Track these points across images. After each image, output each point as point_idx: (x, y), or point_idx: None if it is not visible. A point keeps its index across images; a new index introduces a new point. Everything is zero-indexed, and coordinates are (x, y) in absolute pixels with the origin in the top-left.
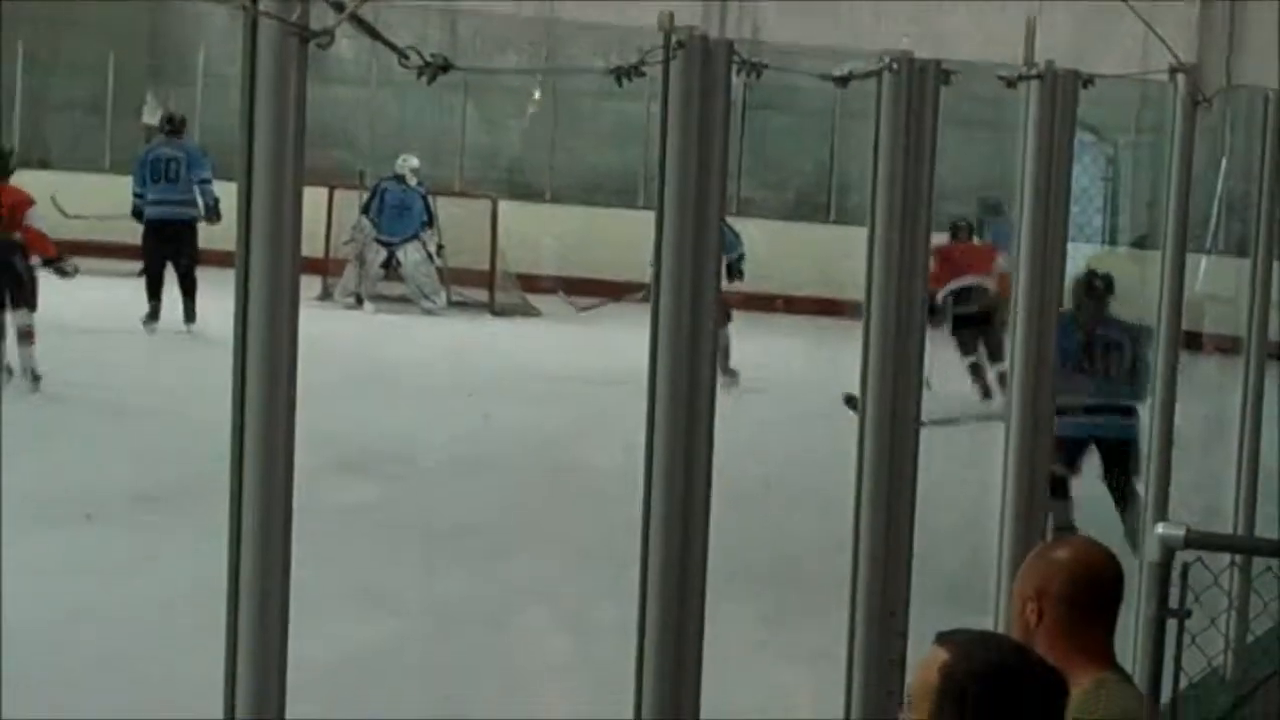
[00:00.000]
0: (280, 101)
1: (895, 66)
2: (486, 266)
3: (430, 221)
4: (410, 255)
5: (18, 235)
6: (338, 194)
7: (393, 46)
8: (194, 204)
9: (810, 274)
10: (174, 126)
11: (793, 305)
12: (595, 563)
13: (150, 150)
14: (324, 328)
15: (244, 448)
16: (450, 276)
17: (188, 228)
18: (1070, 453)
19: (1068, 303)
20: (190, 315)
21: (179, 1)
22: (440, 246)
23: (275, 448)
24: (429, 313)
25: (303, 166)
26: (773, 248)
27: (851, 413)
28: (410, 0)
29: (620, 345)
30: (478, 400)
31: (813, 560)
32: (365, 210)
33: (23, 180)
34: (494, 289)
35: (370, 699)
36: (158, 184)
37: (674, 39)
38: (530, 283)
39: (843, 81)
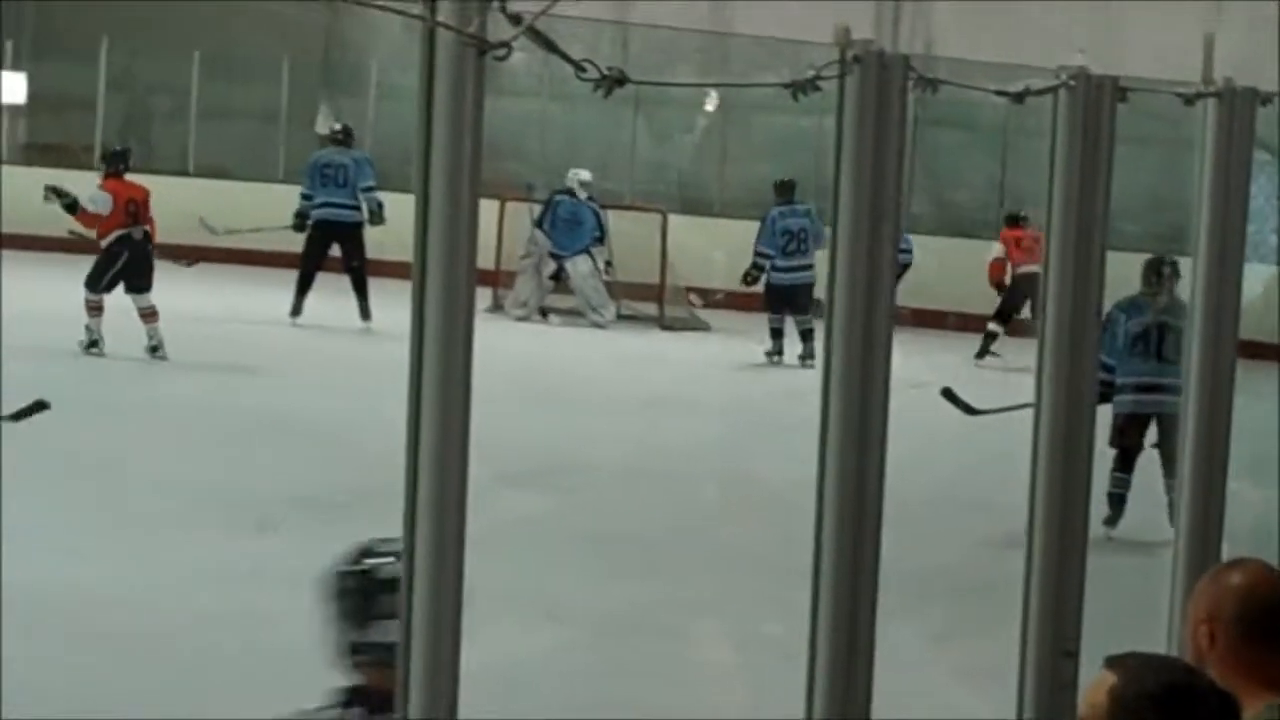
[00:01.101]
0: (457, 113)
1: (1072, 83)
2: (656, 280)
3: (602, 236)
4: (579, 268)
5: (147, 227)
6: (508, 206)
7: (569, 59)
8: (359, 208)
9: (982, 290)
10: (343, 136)
11: (964, 322)
12: (766, 574)
13: (320, 155)
14: (495, 340)
15: (419, 457)
16: (620, 290)
17: (354, 230)
18: (1135, 428)
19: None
20: (366, 313)
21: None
22: (609, 261)
23: (450, 457)
24: (597, 325)
25: (479, 179)
26: (944, 264)
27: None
28: (583, 14)
29: (791, 358)
30: (649, 412)
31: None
32: (539, 223)
33: (200, 187)
34: (663, 302)
35: (536, 706)
36: (326, 188)
37: (850, 53)
38: (700, 296)
39: (1019, 98)
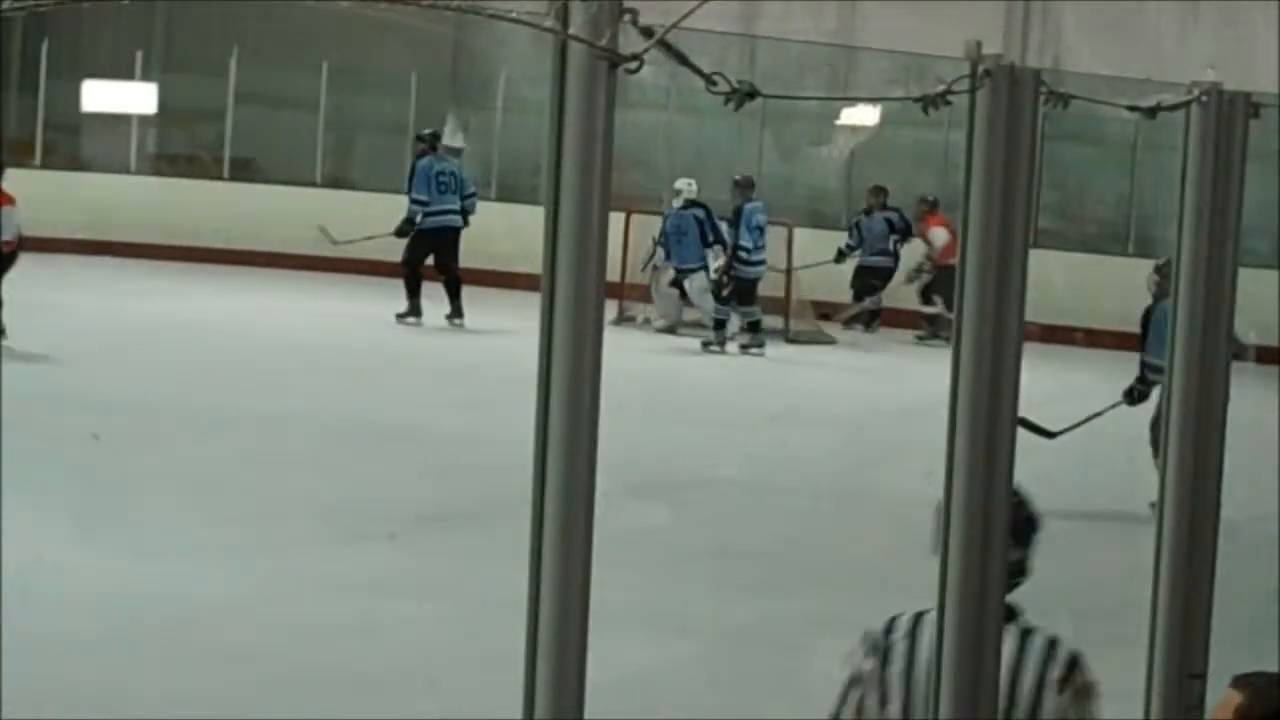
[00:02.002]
0: (588, 126)
1: (1205, 99)
2: (781, 293)
3: (711, 243)
4: (694, 283)
5: None
6: (634, 218)
7: (700, 72)
8: (462, 214)
9: (1111, 307)
10: (448, 146)
11: (1092, 338)
12: (887, 589)
13: (433, 163)
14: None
15: (546, 468)
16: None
17: (458, 235)
18: None
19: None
20: (459, 312)
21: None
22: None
23: (578, 469)
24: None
25: (609, 192)
26: (1072, 280)
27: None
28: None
29: (918, 372)
30: (772, 425)
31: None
32: (660, 237)
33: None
34: (789, 316)
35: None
36: (442, 195)
37: (981, 68)
38: (828, 310)
39: (1151, 113)
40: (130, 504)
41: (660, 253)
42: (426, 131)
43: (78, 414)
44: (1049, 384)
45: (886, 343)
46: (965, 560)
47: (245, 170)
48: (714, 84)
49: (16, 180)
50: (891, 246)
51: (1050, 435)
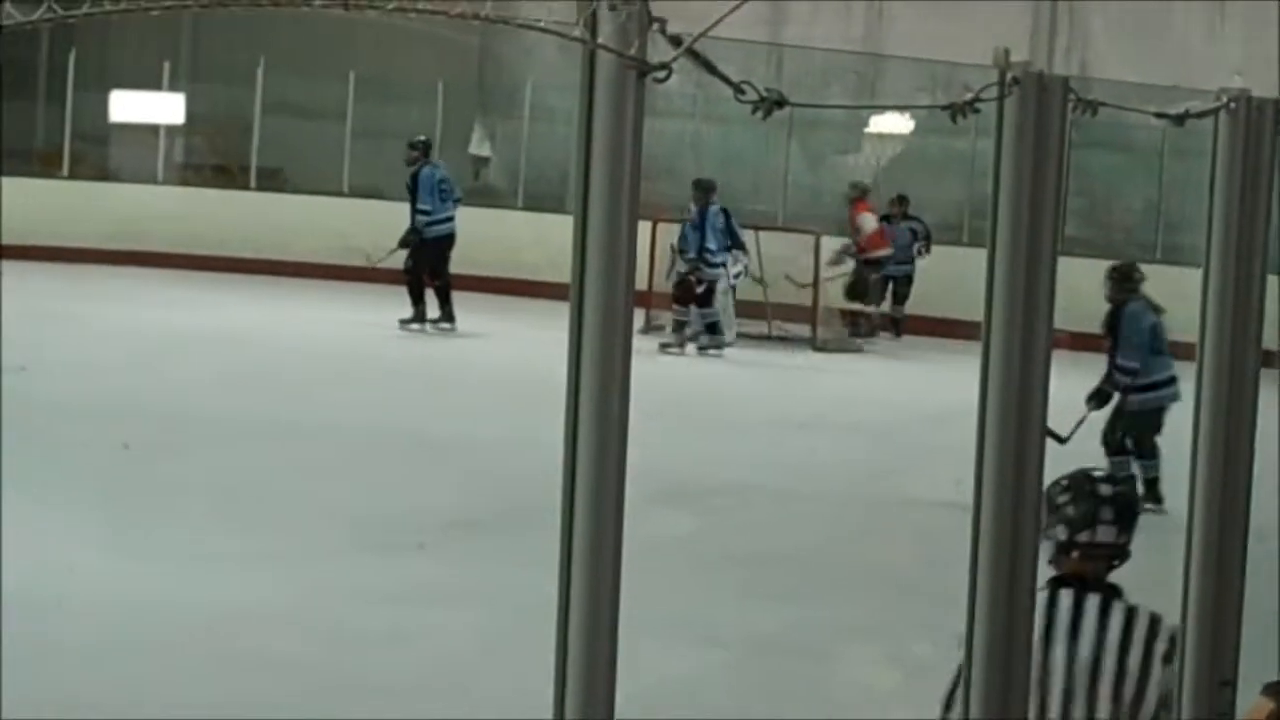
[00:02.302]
0: (617, 135)
1: (1233, 106)
2: (808, 301)
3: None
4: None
5: None
6: (660, 226)
7: (728, 81)
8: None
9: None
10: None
11: None
12: (915, 596)
13: (434, 171)
14: (646, 360)
15: (576, 477)
16: (772, 311)
17: (453, 242)
18: (1159, 421)
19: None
20: (450, 317)
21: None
22: (759, 279)
23: (607, 478)
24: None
25: (638, 201)
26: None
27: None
28: (739, 36)
29: (944, 381)
30: (800, 433)
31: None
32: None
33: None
34: (816, 324)
35: None
36: (443, 203)
37: (1009, 75)
38: (852, 318)
39: (1179, 120)
40: (160, 513)
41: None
42: (419, 139)
43: (107, 424)
44: (1076, 391)
45: (914, 350)
46: (995, 566)
47: (272, 180)
48: (742, 93)
49: (45, 191)
50: (914, 255)
51: (1062, 440)
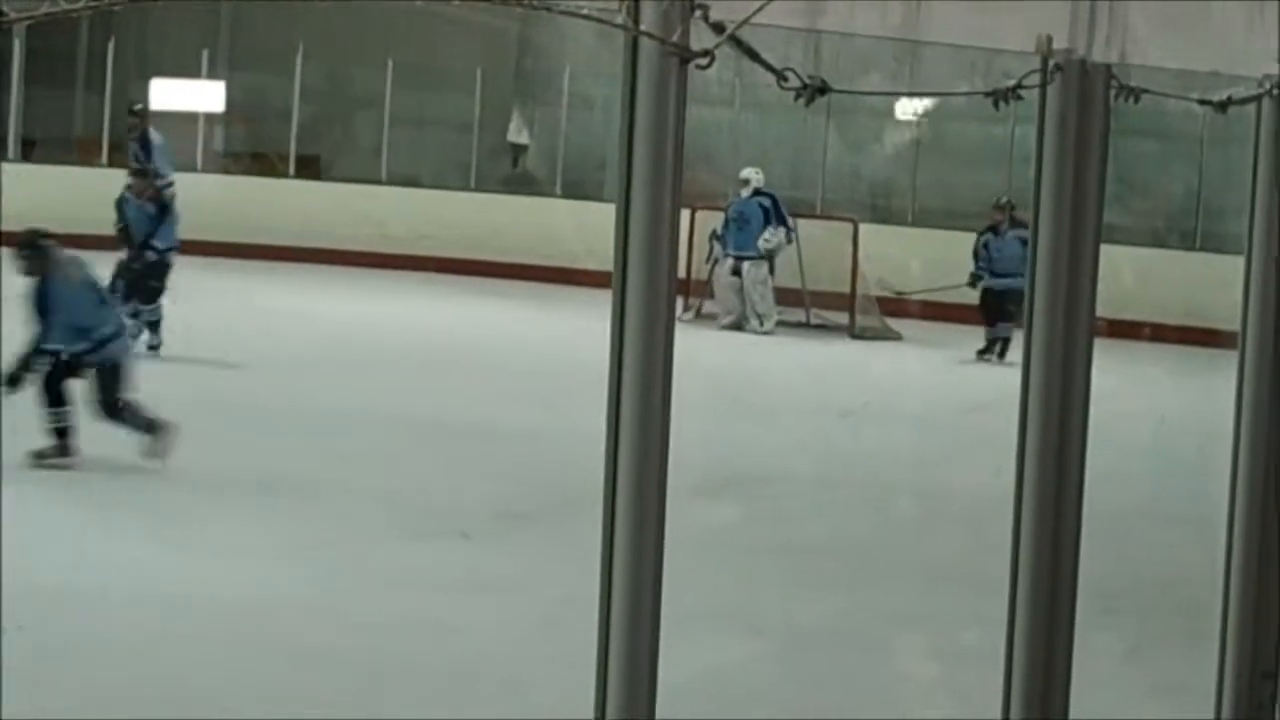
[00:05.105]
0: (659, 122)
1: (1276, 91)
2: (846, 288)
3: (779, 225)
4: (750, 272)
5: None
6: (699, 214)
7: (771, 68)
8: None
9: (1178, 302)
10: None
11: (1159, 333)
12: (961, 584)
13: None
14: (686, 348)
15: (618, 465)
16: (810, 299)
17: None
18: None
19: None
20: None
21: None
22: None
23: (650, 466)
24: (754, 333)
25: (680, 188)
26: (1139, 274)
27: None
28: (777, 22)
29: (988, 368)
30: (840, 422)
31: (1180, 590)
32: (721, 229)
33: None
34: (854, 312)
35: (731, 717)
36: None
37: (1052, 62)
38: (893, 306)
39: (1221, 107)
40: (202, 502)
41: (718, 247)
42: (137, 106)
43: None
44: (1114, 379)
45: (954, 337)
46: (1037, 556)
47: (310, 168)
48: (785, 80)
49: (84, 178)
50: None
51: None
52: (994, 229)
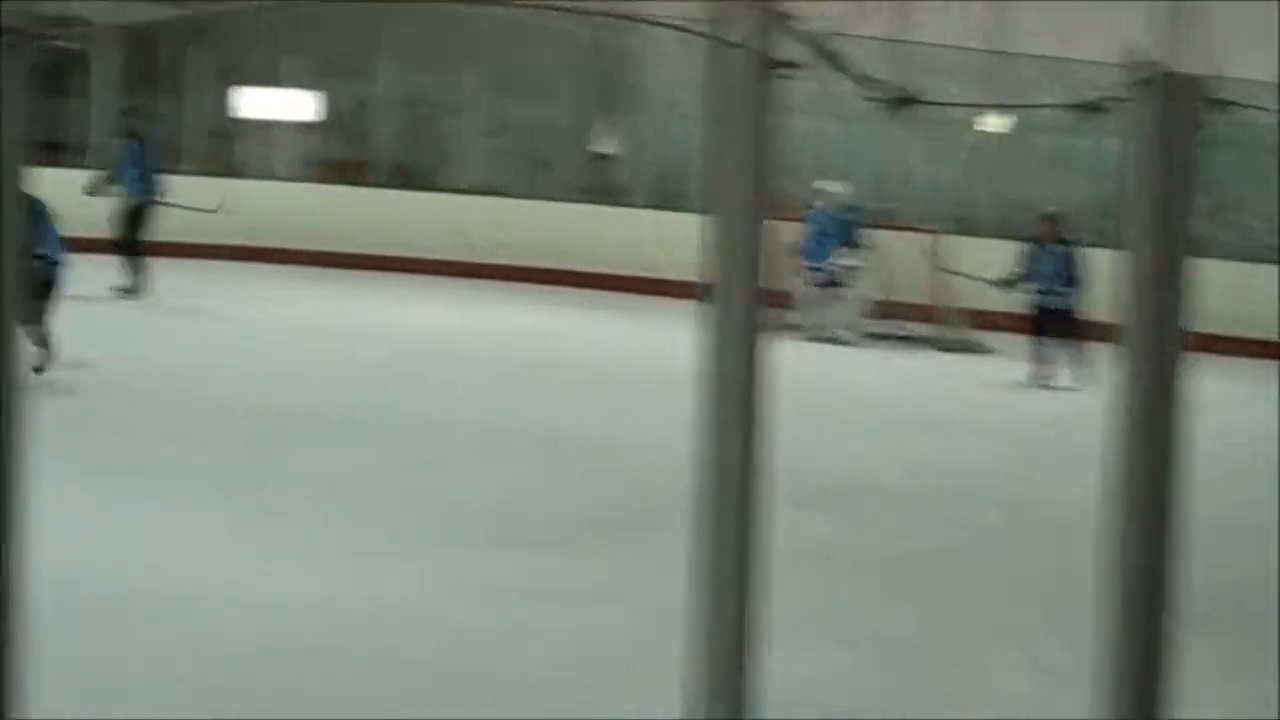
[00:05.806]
0: (747, 132)
1: None
2: (931, 300)
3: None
4: (834, 284)
5: None
6: (782, 225)
7: (860, 79)
8: None
9: (1266, 315)
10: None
11: (1245, 347)
12: (1053, 601)
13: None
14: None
15: (708, 477)
16: (893, 310)
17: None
18: None
19: None
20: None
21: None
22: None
23: (740, 478)
24: (840, 344)
25: (766, 196)
26: (1225, 288)
27: None
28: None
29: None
30: (928, 434)
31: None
32: (801, 241)
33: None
34: (940, 324)
35: None
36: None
37: (1139, 75)
38: (982, 320)
39: None
40: (286, 510)
41: (801, 259)
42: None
43: (237, 420)
44: (1200, 394)
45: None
46: (1132, 569)
47: (399, 176)
48: (873, 91)
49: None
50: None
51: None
52: (1037, 240)
